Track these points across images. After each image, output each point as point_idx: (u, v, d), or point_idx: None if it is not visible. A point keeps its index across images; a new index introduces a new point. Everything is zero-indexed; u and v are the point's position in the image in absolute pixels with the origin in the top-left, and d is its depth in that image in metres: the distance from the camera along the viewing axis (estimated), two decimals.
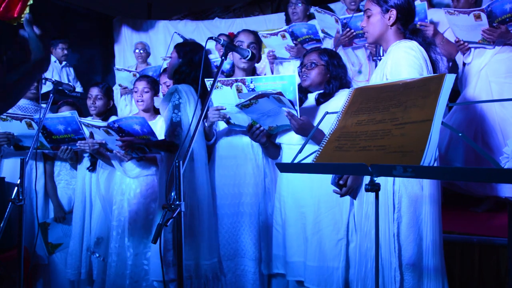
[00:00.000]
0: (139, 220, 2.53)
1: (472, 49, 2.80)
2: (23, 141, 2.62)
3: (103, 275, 2.61)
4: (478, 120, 2.75)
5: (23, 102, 2.88)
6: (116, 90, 4.16)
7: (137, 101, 2.65)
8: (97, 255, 2.66)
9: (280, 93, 1.86)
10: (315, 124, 1.91)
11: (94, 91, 2.83)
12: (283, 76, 1.91)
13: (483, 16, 2.55)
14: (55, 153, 2.71)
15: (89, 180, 2.80)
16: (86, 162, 2.80)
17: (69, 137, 2.54)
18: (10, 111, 2.28)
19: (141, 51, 4.53)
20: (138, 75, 3.95)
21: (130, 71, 4.13)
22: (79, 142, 2.49)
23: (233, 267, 2.21)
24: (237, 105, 1.98)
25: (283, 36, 3.29)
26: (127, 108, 4.15)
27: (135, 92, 2.65)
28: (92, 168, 2.75)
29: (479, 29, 2.62)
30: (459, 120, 2.81)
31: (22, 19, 3.74)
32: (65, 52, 4.49)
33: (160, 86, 2.78)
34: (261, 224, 2.24)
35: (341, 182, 1.76)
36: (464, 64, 2.90)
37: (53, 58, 4.49)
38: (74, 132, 2.50)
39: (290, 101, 1.90)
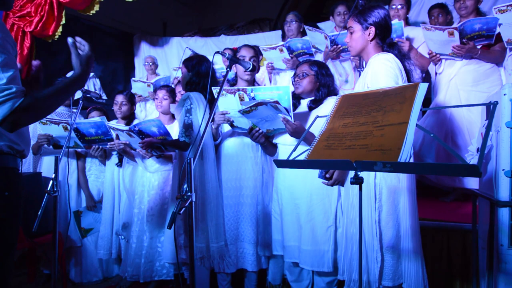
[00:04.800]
0: (156, 208, 2.55)
1: (443, 60, 2.80)
2: (60, 141, 2.65)
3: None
4: (448, 123, 2.75)
5: (59, 108, 2.90)
6: None
7: (157, 106, 2.74)
8: (122, 237, 2.69)
9: (277, 102, 1.86)
10: (306, 128, 1.91)
11: (120, 98, 2.84)
12: (279, 87, 1.92)
13: (456, 33, 2.55)
14: (87, 151, 2.76)
15: (117, 174, 2.83)
16: (114, 159, 2.83)
17: (99, 138, 2.57)
18: (48, 116, 2.30)
19: (150, 64, 4.54)
20: (151, 86, 4.03)
21: (144, 82, 4.16)
22: (109, 143, 2.54)
23: (234, 250, 2.21)
24: (239, 111, 1.98)
25: (281, 50, 3.29)
26: (142, 113, 4.17)
27: (156, 99, 2.74)
28: (120, 164, 2.79)
29: (450, 43, 2.62)
30: (432, 123, 2.81)
31: (56, 37, 3.76)
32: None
33: (176, 95, 2.83)
34: (259, 213, 2.25)
35: (327, 175, 1.77)
36: (436, 73, 2.90)
37: None
38: (103, 134, 2.54)
39: (285, 108, 1.91)
